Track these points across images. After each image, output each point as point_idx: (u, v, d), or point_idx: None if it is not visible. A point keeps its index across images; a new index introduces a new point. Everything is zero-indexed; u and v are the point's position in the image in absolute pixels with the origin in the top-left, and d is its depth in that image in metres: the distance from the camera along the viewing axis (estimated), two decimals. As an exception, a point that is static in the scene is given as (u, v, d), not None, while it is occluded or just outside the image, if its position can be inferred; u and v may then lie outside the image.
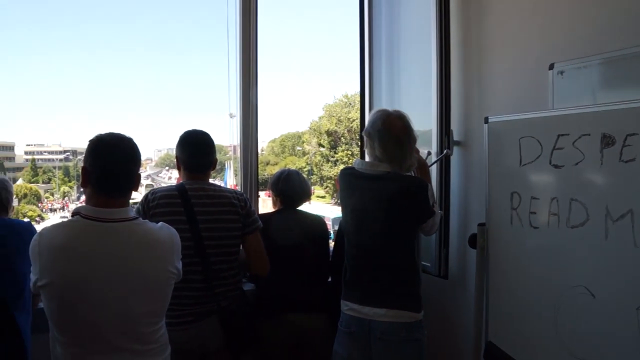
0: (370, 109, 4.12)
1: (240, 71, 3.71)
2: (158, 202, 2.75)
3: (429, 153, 3.42)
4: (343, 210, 2.96)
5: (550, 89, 2.72)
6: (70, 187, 70.49)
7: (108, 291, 1.95)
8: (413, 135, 2.82)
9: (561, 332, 2.31)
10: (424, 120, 3.50)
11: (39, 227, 2.80)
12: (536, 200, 2.50)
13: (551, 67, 2.72)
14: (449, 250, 3.40)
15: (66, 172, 76.73)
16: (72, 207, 58.90)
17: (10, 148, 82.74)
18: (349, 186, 2.90)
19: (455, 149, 3.37)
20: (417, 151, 2.98)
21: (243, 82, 3.71)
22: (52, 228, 2.03)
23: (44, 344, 2.11)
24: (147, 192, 2.86)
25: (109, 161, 2.05)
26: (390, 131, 2.76)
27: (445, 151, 3.33)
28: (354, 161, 2.94)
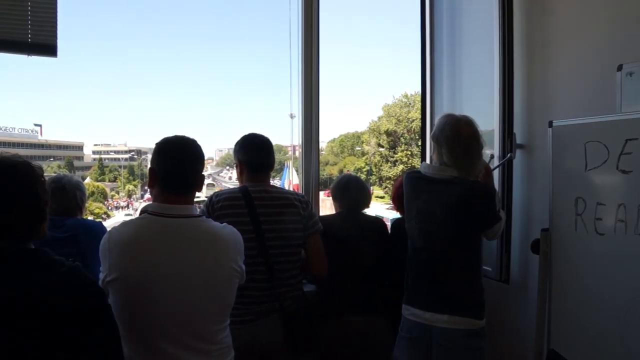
0: (432, 108, 4.09)
1: (302, 72, 3.74)
2: (222, 204, 2.81)
3: (492, 156, 3.36)
4: (407, 214, 2.95)
5: (618, 91, 2.64)
6: (135, 186, 72.66)
7: (172, 287, 2.00)
8: (481, 142, 2.79)
9: (627, 342, 2.24)
10: (485, 121, 3.42)
11: (106, 225, 2.96)
12: (602, 206, 2.43)
13: (619, 68, 2.64)
14: (511, 254, 3.33)
15: (131, 171, 79.13)
16: (136, 205, 60.76)
17: (80, 148, 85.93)
18: (415, 189, 2.88)
19: (518, 152, 3.30)
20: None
21: (305, 83, 3.74)
22: (121, 225, 2.11)
23: None
24: (211, 194, 2.93)
25: (175, 162, 2.13)
26: (459, 138, 2.73)
27: (508, 155, 3.27)
28: (420, 165, 2.93)
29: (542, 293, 2.80)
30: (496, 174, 3.33)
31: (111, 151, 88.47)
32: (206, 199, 2.93)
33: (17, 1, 3.39)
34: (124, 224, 2.12)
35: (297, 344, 2.83)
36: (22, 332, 1.57)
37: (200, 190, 2.21)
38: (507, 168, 3.33)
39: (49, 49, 3.48)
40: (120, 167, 79.21)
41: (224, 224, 2.21)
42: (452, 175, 2.73)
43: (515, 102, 3.32)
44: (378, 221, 3.50)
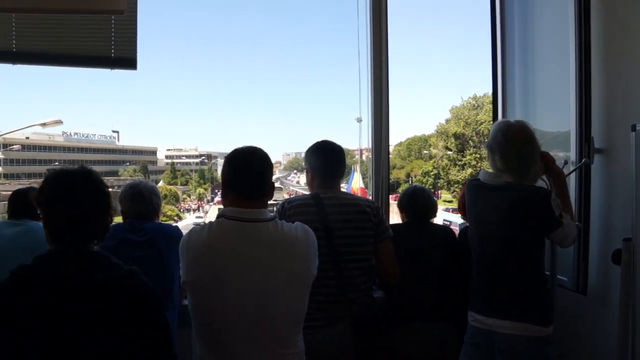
0: (504, 110, 3.98)
1: (371, 75, 3.72)
2: (294, 210, 2.84)
3: (565, 162, 3.22)
4: (469, 221, 2.97)
5: None
6: (205, 189, 74.57)
7: (247, 289, 2.04)
8: (536, 145, 2.76)
9: None
10: (561, 123, 3.32)
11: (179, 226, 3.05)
12: (691, 216, 2.26)
13: None
14: (589, 265, 3.17)
15: (202, 174, 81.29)
16: (207, 207, 62.35)
17: (153, 152, 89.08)
18: (474, 197, 2.89)
19: (596, 158, 3.13)
20: (553, 160, 2.90)
21: (374, 87, 3.72)
22: (198, 229, 2.19)
23: (189, 337, 2.24)
24: (283, 200, 2.97)
25: (245, 172, 2.20)
26: (512, 144, 2.73)
27: (584, 160, 3.11)
28: (480, 172, 2.90)
29: (624, 307, 2.65)
30: (571, 181, 3.17)
31: (183, 155, 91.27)
32: (275, 202, 2.95)
33: (102, 19, 3.62)
34: (202, 227, 2.19)
35: (366, 350, 2.80)
36: (82, 329, 1.64)
37: (271, 197, 2.26)
38: (584, 174, 3.16)
39: (130, 62, 3.72)
40: (191, 170, 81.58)
41: (297, 223, 2.25)
42: (507, 181, 2.72)
43: (593, 104, 3.15)
44: (446, 230, 3.52)
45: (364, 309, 2.84)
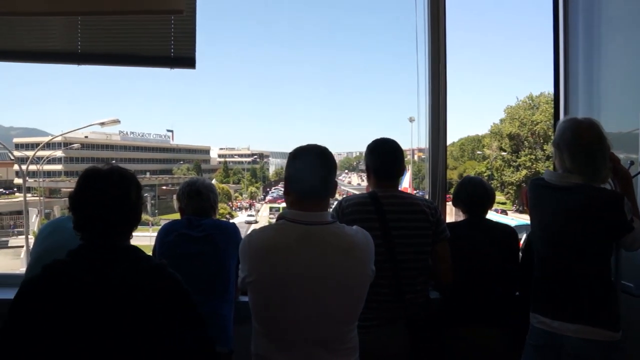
0: (566, 110, 3.85)
1: (429, 74, 3.66)
2: (351, 209, 2.83)
3: (632, 163, 3.09)
4: (532, 222, 2.86)
5: None
6: (257, 188, 75.36)
7: (307, 289, 2.07)
8: (607, 145, 2.65)
9: None
10: (628, 122, 3.20)
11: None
12: None
13: None
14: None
15: (253, 173, 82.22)
16: (258, 206, 62.96)
17: (207, 151, 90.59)
18: (538, 198, 2.80)
19: (665, 158, 3.00)
20: (618, 160, 2.78)
21: (432, 85, 3.66)
22: (260, 230, 2.22)
23: (245, 333, 2.30)
24: (340, 199, 2.97)
25: (308, 171, 2.19)
26: (581, 142, 2.63)
27: None
28: (544, 172, 2.82)
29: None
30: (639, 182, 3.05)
31: (235, 154, 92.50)
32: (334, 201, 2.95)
33: (162, 19, 3.72)
34: (263, 229, 2.23)
35: (421, 351, 2.78)
36: (109, 322, 1.67)
37: (333, 196, 2.26)
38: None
39: (188, 61, 3.80)
40: (243, 169, 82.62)
41: (356, 227, 2.24)
42: (576, 182, 2.63)
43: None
44: (506, 229, 3.35)
45: (420, 310, 2.81)
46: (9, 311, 1.72)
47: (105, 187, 1.78)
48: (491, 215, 3.61)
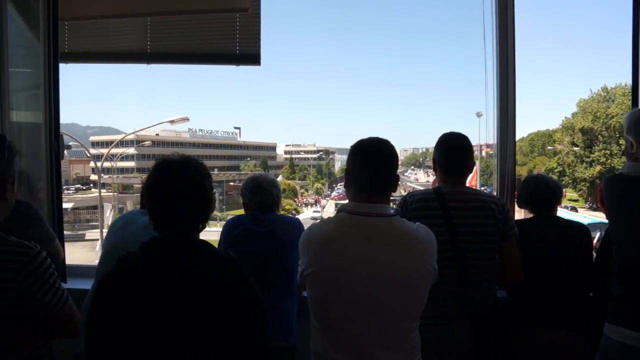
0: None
1: (497, 66, 3.56)
2: (416, 205, 2.78)
3: None
4: (615, 220, 2.62)
5: None
6: (322, 184, 75.73)
7: (366, 284, 2.02)
8: None
9: None
10: None
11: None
12: None
13: None
14: None
15: (319, 170, 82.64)
16: (324, 202, 63.26)
17: (273, 148, 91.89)
18: (623, 194, 2.55)
19: None
20: None
21: (500, 80, 3.55)
22: (319, 223, 2.21)
23: (307, 329, 2.25)
24: (405, 195, 2.91)
25: (369, 164, 2.16)
26: None
27: None
28: (624, 165, 2.62)
29: None
30: None
31: (301, 151, 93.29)
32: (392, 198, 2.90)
33: (227, 18, 3.80)
34: (323, 222, 2.21)
35: (487, 351, 2.70)
36: (180, 313, 1.69)
37: (394, 190, 2.21)
38: None
39: (254, 58, 3.89)
40: (309, 166, 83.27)
41: (418, 223, 2.18)
42: None
43: None
44: (579, 227, 3.19)
45: (486, 309, 2.73)
46: (92, 302, 1.77)
47: (181, 178, 1.79)
48: (560, 212, 3.44)
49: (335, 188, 73.43)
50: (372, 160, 2.16)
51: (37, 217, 2.83)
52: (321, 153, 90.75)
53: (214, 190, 1.98)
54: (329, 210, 56.35)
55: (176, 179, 1.78)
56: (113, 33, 3.87)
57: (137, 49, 3.86)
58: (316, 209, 57.68)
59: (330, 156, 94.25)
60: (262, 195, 3.14)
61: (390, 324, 2.06)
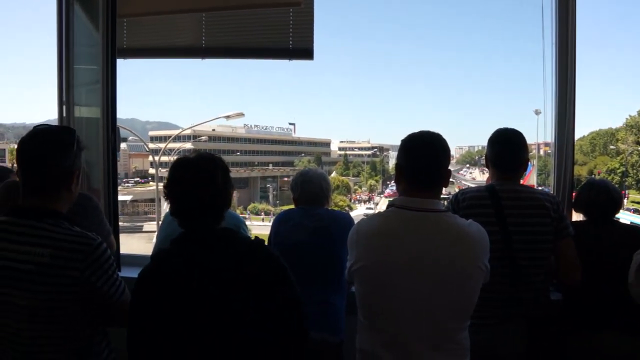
0: None
1: (556, 62, 3.45)
2: (468, 202, 2.73)
3: None
4: None
5: None
6: (376, 181, 75.54)
7: (415, 279, 1.99)
8: None
9: None
10: None
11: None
12: None
13: None
14: None
15: (373, 167, 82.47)
16: (377, 199, 63.07)
17: (327, 144, 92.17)
18: None
19: None
20: None
21: (559, 77, 3.43)
22: (368, 218, 2.19)
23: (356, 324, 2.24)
24: (456, 192, 2.87)
25: (420, 158, 2.12)
26: None
27: None
28: None
29: None
30: None
31: (355, 147, 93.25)
32: (447, 195, 2.86)
33: (280, 12, 3.83)
34: (372, 216, 2.20)
35: (539, 354, 2.65)
36: (214, 303, 1.72)
37: (446, 185, 2.17)
38: None
39: (307, 52, 3.90)
40: (363, 162, 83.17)
41: (470, 220, 2.14)
42: None
43: None
44: (636, 230, 3.08)
45: (540, 310, 2.67)
46: (132, 297, 1.83)
47: (193, 174, 1.83)
48: (623, 215, 3.31)
49: (389, 185, 72.95)
50: (423, 155, 2.12)
51: (95, 210, 2.92)
52: (375, 150, 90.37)
53: (268, 185, 2.01)
54: (382, 207, 56.01)
55: (191, 176, 1.83)
56: (169, 29, 3.97)
57: (192, 44, 3.94)
58: (369, 205, 57.59)
59: (385, 153, 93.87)
60: (311, 189, 3.13)
61: (439, 322, 2.02)
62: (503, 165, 2.79)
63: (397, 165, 2.18)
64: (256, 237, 1.87)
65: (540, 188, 4.93)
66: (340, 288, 2.98)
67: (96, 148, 3.58)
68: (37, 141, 1.92)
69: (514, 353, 2.63)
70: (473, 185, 3.07)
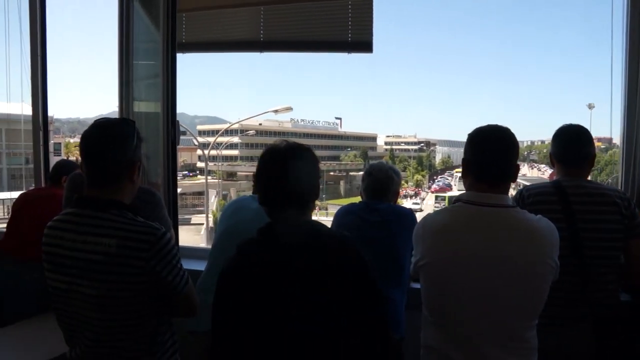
0: None
1: (625, 57, 3.31)
2: (534, 199, 2.64)
3: None
4: None
5: None
6: (423, 176, 74.98)
7: (482, 276, 1.95)
8: None
9: None
10: None
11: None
12: None
13: None
14: None
15: (419, 161, 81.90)
16: (423, 194, 62.60)
17: (373, 139, 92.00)
18: None
19: None
20: None
21: (629, 69, 3.29)
22: (434, 213, 2.16)
23: (416, 322, 2.22)
24: (521, 188, 2.78)
25: (487, 152, 2.08)
26: None
27: None
28: None
29: None
30: None
31: (402, 142, 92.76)
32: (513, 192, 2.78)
33: (339, 5, 3.82)
34: (438, 212, 2.16)
35: (608, 357, 2.53)
36: (297, 295, 1.69)
37: (514, 180, 2.12)
38: None
39: (366, 46, 3.87)
40: (409, 157, 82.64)
41: (539, 215, 2.08)
42: None
43: None
44: None
45: (610, 312, 2.56)
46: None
47: (284, 163, 1.81)
48: None
49: (436, 180, 72.44)
50: (492, 149, 2.07)
51: (158, 205, 2.96)
52: (422, 144, 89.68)
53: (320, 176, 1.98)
54: (428, 202, 55.69)
55: (280, 166, 1.80)
56: (227, 22, 4.01)
57: (250, 37, 3.96)
58: (415, 201, 57.11)
59: (432, 148, 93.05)
60: (375, 184, 3.10)
61: (507, 320, 1.98)
62: (569, 160, 2.70)
63: (464, 160, 2.13)
64: (345, 233, 1.84)
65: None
66: (400, 283, 2.94)
67: (154, 142, 3.63)
68: (99, 134, 1.95)
69: (582, 355, 2.54)
70: (524, 182, 2.97)
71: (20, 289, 3.47)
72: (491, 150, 2.07)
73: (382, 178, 3.10)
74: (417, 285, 2.21)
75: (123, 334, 1.91)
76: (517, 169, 2.09)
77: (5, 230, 3.80)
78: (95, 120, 2.00)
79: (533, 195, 2.64)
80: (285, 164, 1.81)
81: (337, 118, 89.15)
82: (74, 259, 1.87)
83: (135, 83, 3.79)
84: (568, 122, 2.82)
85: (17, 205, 3.82)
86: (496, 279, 1.94)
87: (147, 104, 3.89)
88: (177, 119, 3.69)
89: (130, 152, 1.97)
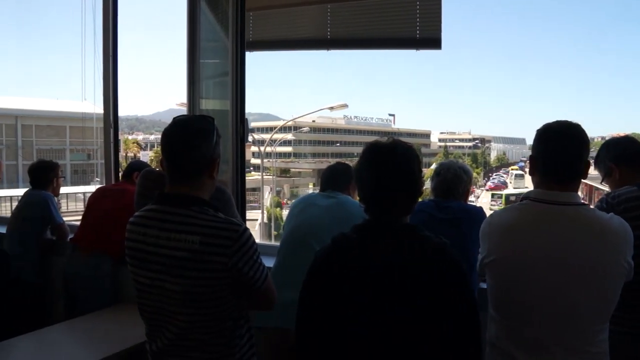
0: None
1: None
2: (625, 205, 2.46)
3: None
4: None
5: None
6: (477, 174, 73.62)
7: (551, 275, 1.89)
8: None
9: None
10: None
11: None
12: None
13: None
14: None
15: (474, 158, 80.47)
16: (478, 192, 61.46)
17: (427, 135, 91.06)
18: None
19: None
20: None
21: None
22: (501, 211, 2.15)
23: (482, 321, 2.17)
24: (604, 196, 2.62)
25: (558, 149, 2.02)
26: None
27: None
28: None
29: None
30: None
31: (456, 139, 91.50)
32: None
33: (407, 2, 3.79)
34: (505, 209, 2.15)
35: None
36: (391, 293, 1.70)
37: (585, 177, 2.04)
38: None
39: (435, 42, 3.83)
40: (464, 154, 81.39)
41: (611, 214, 2.01)
42: None
43: None
44: None
45: None
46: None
47: (388, 161, 1.80)
48: None
49: (491, 178, 71.03)
50: (562, 146, 2.01)
51: (228, 202, 2.99)
52: (477, 141, 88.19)
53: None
54: (483, 200, 54.60)
55: (382, 163, 1.80)
56: (294, 21, 4.02)
57: (317, 35, 3.98)
58: (470, 198, 56.06)
59: (486, 145, 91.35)
60: (445, 182, 3.06)
61: (575, 321, 1.91)
62: None
63: (532, 157, 2.08)
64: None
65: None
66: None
67: (224, 139, 3.68)
68: (180, 131, 1.98)
69: None
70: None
71: (92, 281, 3.60)
72: (561, 147, 2.01)
73: (449, 178, 3.04)
74: (485, 285, 2.18)
75: (205, 328, 1.93)
76: (588, 166, 2.02)
77: (79, 223, 3.95)
78: (175, 118, 2.03)
79: (624, 202, 2.46)
80: (387, 163, 1.81)
81: (390, 114, 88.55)
82: (158, 255, 1.90)
83: (203, 82, 3.85)
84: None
85: (91, 199, 3.95)
86: (566, 279, 1.88)
87: (214, 102, 3.96)
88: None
89: (210, 149, 1.99)
